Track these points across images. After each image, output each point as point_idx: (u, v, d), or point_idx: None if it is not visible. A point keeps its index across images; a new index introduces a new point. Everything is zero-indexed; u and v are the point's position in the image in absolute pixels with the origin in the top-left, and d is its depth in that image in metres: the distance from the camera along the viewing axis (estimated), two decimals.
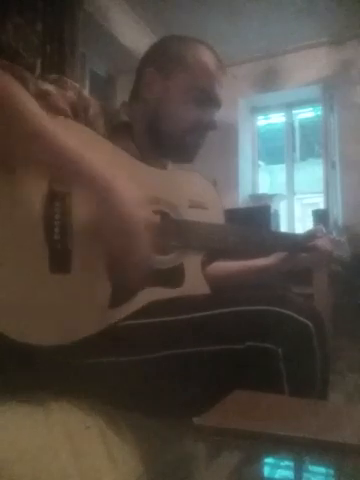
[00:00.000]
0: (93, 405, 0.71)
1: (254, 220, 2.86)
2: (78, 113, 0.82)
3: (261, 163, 4.34)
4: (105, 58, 3.29)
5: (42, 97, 0.73)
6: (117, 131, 0.89)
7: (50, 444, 0.61)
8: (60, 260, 0.69)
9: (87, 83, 3.13)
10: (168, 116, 0.93)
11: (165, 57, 0.95)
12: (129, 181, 0.70)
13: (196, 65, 0.93)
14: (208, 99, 0.95)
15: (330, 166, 3.24)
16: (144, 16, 3.06)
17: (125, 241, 0.67)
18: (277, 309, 0.71)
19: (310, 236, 1.10)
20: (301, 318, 0.71)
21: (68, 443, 0.62)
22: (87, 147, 0.70)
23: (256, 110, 3.90)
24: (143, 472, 0.67)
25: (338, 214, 3.17)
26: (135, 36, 3.09)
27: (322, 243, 1.08)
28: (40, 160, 0.66)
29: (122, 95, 3.33)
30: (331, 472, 0.50)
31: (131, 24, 3.09)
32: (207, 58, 0.94)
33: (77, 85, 0.85)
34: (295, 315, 0.71)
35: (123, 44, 3.06)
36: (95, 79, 3.27)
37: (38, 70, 2.27)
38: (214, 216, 0.94)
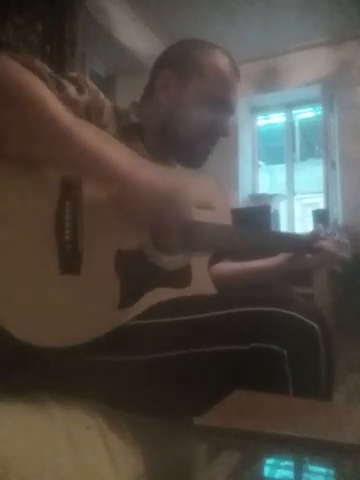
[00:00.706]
0: (94, 405, 0.71)
1: (254, 220, 2.85)
2: (92, 115, 0.82)
3: (261, 163, 4.34)
4: (105, 58, 3.29)
5: (59, 91, 0.73)
6: (127, 132, 0.89)
7: (51, 444, 0.61)
8: (70, 261, 0.68)
9: None
10: (181, 120, 0.92)
11: (182, 61, 0.95)
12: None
13: (212, 71, 0.93)
14: (222, 106, 0.95)
15: (330, 166, 3.24)
16: (144, 16, 3.06)
17: (170, 211, 0.74)
18: (283, 310, 0.71)
19: (314, 237, 1.10)
20: (307, 320, 0.71)
21: (69, 444, 0.62)
22: None
23: (256, 110, 3.90)
24: (143, 472, 0.67)
25: (338, 214, 3.17)
26: (135, 36, 3.09)
27: (327, 245, 1.08)
28: (66, 158, 0.66)
29: (122, 95, 3.33)
30: (331, 472, 0.50)
31: (131, 24, 3.09)
32: (223, 65, 0.95)
33: (95, 86, 0.85)
34: (301, 317, 0.71)
35: (123, 44, 3.06)
36: (95, 79, 3.26)
37: None
38: (221, 217, 0.94)
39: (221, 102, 0.94)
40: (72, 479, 0.58)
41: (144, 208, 0.73)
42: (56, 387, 0.71)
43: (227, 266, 1.10)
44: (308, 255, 1.08)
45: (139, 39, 3.06)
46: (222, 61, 0.95)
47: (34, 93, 0.63)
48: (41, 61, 0.75)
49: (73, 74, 0.82)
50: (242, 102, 3.65)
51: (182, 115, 0.93)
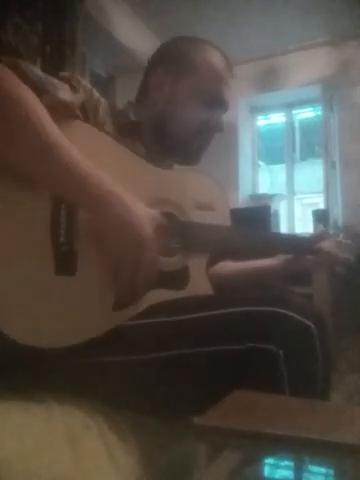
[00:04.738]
0: (94, 405, 0.71)
1: (254, 220, 2.85)
2: (88, 113, 0.82)
3: (261, 163, 4.34)
4: (105, 58, 3.29)
5: (52, 94, 0.72)
6: (124, 131, 0.89)
7: (51, 445, 0.61)
8: (65, 262, 0.68)
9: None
10: (175, 118, 0.93)
11: (174, 58, 0.95)
12: (137, 187, 0.74)
13: (204, 67, 0.93)
14: (216, 102, 0.95)
15: (330, 166, 3.24)
16: (144, 16, 3.06)
17: (135, 253, 0.69)
18: (279, 310, 0.71)
19: (316, 238, 1.10)
20: (303, 319, 0.70)
21: (69, 443, 0.62)
22: (94, 150, 0.71)
23: (256, 110, 3.90)
24: (143, 472, 0.67)
25: (338, 214, 3.17)
26: (135, 36, 3.08)
27: (328, 246, 1.08)
28: (47, 174, 0.66)
29: (122, 95, 3.33)
30: (331, 472, 0.50)
31: (131, 24, 3.09)
32: (216, 60, 0.95)
33: (89, 85, 0.84)
34: (297, 316, 0.70)
35: (123, 44, 3.06)
36: (95, 79, 3.27)
37: None
38: (220, 217, 0.94)
39: (215, 98, 0.95)
40: (72, 479, 0.58)
41: (113, 241, 0.70)
42: (56, 387, 0.71)
43: (226, 266, 1.10)
44: (308, 256, 1.08)
45: (139, 39, 3.05)
46: (214, 57, 0.95)
47: (19, 101, 0.63)
48: (41, 61, 0.75)
49: (65, 73, 0.81)
50: (242, 102, 3.66)
51: (176, 113, 0.93)
